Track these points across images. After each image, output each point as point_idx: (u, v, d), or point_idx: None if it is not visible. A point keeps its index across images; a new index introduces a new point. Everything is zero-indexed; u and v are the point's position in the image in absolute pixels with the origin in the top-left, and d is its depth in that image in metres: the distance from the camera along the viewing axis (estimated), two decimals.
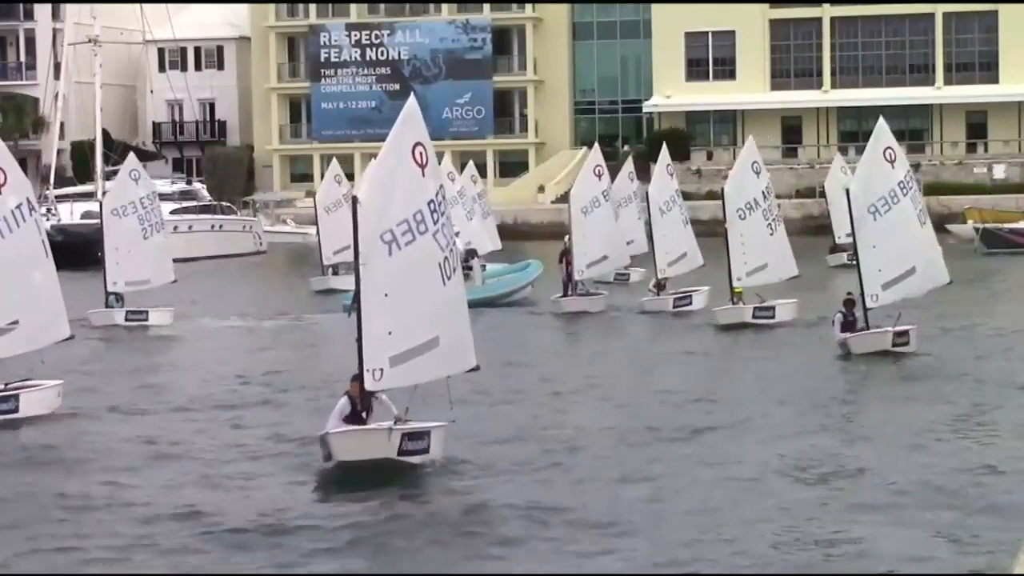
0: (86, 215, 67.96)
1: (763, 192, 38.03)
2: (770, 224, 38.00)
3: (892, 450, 21.23)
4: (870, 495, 18.38)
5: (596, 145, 48.67)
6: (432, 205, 19.80)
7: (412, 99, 20.42)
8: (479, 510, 17.95)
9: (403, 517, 17.54)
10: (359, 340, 19.52)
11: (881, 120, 32.12)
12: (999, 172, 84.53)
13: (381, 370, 19.52)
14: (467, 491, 18.95)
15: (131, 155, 45.37)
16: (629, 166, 53.60)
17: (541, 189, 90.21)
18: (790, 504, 17.99)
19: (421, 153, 19.81)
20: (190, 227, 76.50)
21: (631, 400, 26.33)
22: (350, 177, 60.80)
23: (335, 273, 51.78)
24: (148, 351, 36.08)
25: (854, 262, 32.27)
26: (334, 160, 61.66)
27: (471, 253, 48.44)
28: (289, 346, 36.74)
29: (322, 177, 65.13)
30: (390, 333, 19.61)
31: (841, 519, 17.24)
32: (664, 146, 46.37)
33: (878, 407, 25.32)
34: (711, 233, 45.45)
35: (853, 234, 31.32)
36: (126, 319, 40.21)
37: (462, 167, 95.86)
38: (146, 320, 40.40)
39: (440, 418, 20.32)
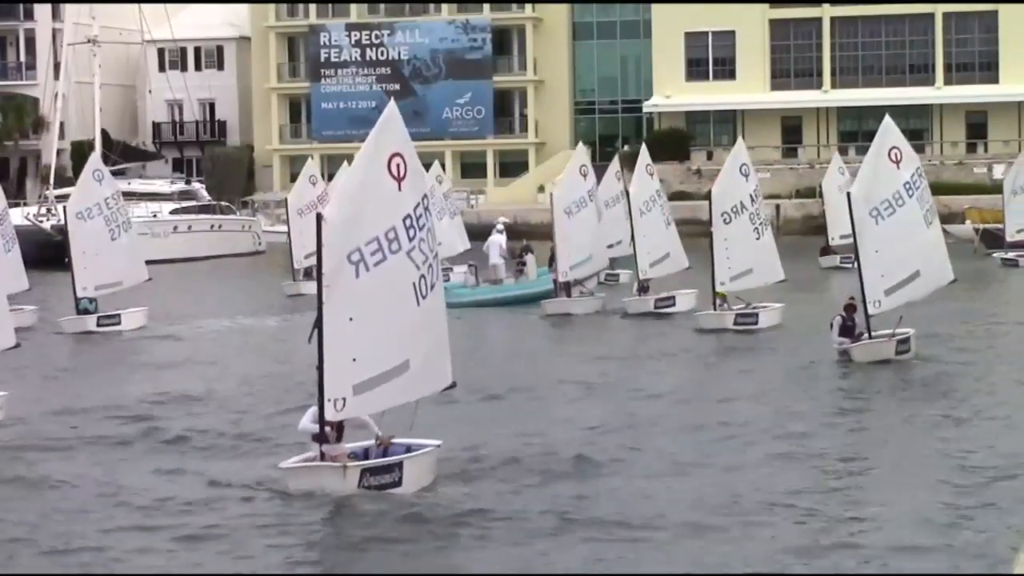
0: None
1: (751, 196, 37.20)
2: (757, 228, 37.11)
3: (887, 452, 21.20)
4: (867, 496, 18.36)
5: (580, 145, 47.76)
6: (408, 220, 18.42)
7: (392, 105, 18.96)
8: (461, 523, 17.50)
9: (372, 539, 16.94)
10: (319, 368, 18.18)
11: (887, 119, 30.98)
12: (999, 172, 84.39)
13: (343, 399, 18.15)
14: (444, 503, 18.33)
15: (94, 155, 44.39)
16: (616, 166, 53.21)
17: (541, 189, 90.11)
18: (785, 505, 17.95)
19: (399, 165, 18.37)
20: (190, 227, 76.67)
21: (603, 403, 25.82)
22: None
23: (307, 277, 50.89)
24: (109, 356, 35.06)
25: (848, 265, 31.61)
26: (308, 160, 61.03)
27: (526, 249, 48.16)
28: (260, 349, 35.98)
29: (323, 177, 64.74)
30: (354, 360, 18.20)
31: (839, 519, 17.22)
32: (644, 146, 45.38)
33: (872, 409, 25.17)
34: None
35: (854, 238, 30.35)
36: (98, 324, 39.20)
37: (463, 167, 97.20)
38: (119, 324, 39.42)
39: (434, 434, 19.42)
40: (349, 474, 18.12)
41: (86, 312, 39.78)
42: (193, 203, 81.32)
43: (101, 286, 40.08)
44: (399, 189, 18.39)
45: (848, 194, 30.58)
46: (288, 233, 54.12)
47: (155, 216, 76.30)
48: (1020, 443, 21.57)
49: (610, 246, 46.19)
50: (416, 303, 18.62)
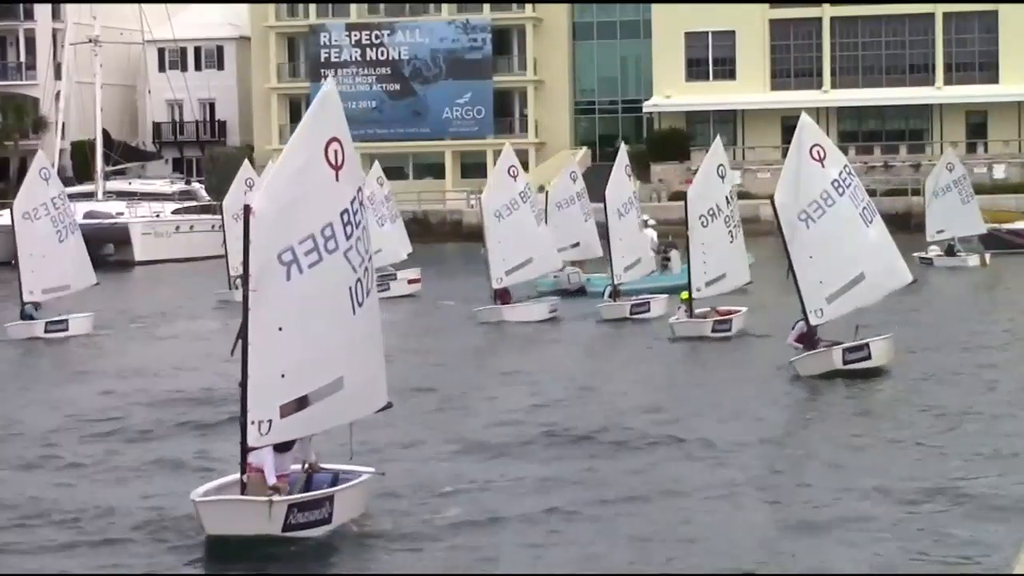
0: (88, 215, 68.13)
1: (726, 198, 36.16)
2: (731, 231, 36.09)
3: (879, 454, 20.96)
4: (865, 495, 18.26)
5: (508, 146, 45.54)
6: (346, 216, 16.09)
7: (330, 82, 16.91)
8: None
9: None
10: (243, 385, 15.82)
11: (804, 116, 29.02)
12: (999, 172, 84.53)
13: (269, 422, 15.72)
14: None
15: (40, 153, 42.79)
16: (572, 165, 52.08)
17: (541, 189, 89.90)
18: (776, 506, 17.92)
19: (336, 151, 16.01)
20: (192, 227, 76.83)
21: (568, 413, 24.50)
22: None
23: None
24: (50, 363, 34.24)
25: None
26: (245, 162, 60.09)
27: (671, 244, 47.47)
28: (210, 354, 34.31)
29: None
30: (283, 376, 15.80)
31: (837, 519, 17.22)
32: (623, 148, 43.77)
33: (865, 411, 24.84)
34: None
35: (785, 246, 28.10)
36: (46, 331, 38.07)
37: (463, 167, 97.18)
38: (66, 329, 38.33)
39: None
40: (275, 510, 15.69)
41: (30, 318, 38.59)
42: (193, 203, 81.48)
43: (48, 290, 38.87)
44: (336, 179, 16.08)
45: (771, 200, 28.71)
46: (224, 239, 51.56)
47: (158, 216, 76.53)
48: (1017, 443, 21.56)
49: (562, 249, 44.39)
50: (352, 311, 16.33)
